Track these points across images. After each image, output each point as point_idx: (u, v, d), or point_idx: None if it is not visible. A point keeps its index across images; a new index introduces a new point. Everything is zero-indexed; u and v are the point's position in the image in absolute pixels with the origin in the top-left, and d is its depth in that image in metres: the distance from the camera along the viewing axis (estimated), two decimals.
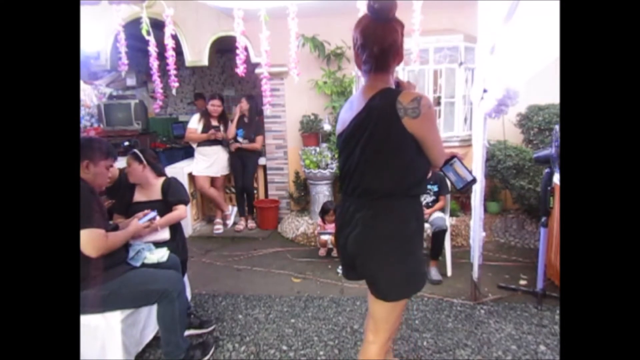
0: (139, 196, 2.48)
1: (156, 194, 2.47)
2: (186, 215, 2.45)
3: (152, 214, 2.28)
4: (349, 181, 1.40)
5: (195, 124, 4.27)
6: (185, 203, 2.51)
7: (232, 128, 4.25)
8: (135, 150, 2.45)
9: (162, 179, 2.53)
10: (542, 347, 2.21)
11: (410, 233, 1.36)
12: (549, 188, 2.58)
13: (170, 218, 2.42)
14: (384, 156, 1.32)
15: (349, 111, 1.41)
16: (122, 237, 2.03)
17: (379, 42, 1.29)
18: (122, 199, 2.51)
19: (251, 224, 4.48)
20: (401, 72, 3.86)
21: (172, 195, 2.47)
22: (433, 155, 1.36)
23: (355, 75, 4.14)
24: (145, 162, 2.42)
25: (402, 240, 1.35)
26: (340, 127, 1.45)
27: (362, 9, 2.52)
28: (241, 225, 4.44)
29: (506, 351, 2.19)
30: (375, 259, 1.35)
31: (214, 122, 4.27)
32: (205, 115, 4.28)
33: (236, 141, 4.28)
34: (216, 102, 4.25)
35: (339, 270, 3.31)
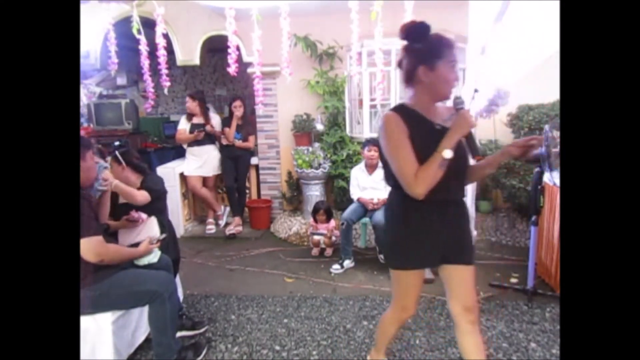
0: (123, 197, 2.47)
1: None
2: (140, 198, 2.37)
3: (162, 235, 2.29)
4: None
5: (183, 124, 4.27)
6: (152, 191, 2.45)
7: (231, 133, 4.23)
8: (116, 152, 2.42)
9: (143, 177, 2.52)
10: (533, 345, 2.23)
11: (388, 217, 1.65)
12: (539, 187, 2.61)
13: (123, 187, 2.33)
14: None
15: None
16: (129, 253, 2.05)
17: (400, 59, 1.54)
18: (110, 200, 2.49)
19: (238, 228, 4.37)
20: (393, 72, 3.87)
21: (147, 187, 2.45)
22: (393, 171, 1.49)
23: (347, 75, 4.14)
24: (124, 163, 2.40)
25: (388, 223, 1.66)
26: None
27: (353, 8, 2.52)
28: (231, 230, 4.32)
29: (497, 349, 2.21)
30: None
31: (197, 121, 4.26)
32: (190, 115, 4.28)
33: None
34: (187, 99, 4.23)
35: (332, 269, 3.31)
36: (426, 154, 1.42)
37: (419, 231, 1.54)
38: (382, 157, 1.56)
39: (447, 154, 1.39)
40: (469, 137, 1.48)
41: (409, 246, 1.56)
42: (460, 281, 1.59)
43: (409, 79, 1.51)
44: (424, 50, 1.45)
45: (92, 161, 1.95)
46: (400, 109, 1.51)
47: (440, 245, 1.55)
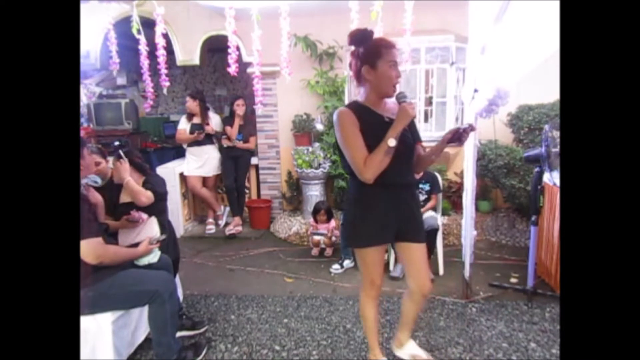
0: (125, 197, 2.46)
1: None
2: (145, 199, 2.39)
3: (162, 236, 2.25)
4: None
5: (183, 124, 4.27)
6: (157, 193, 2.46)
7: (233, 132, 4.23)
8: (120, 152, 2.43)
9: (144, 178, 2.52)
10: (533, 345, 2.23)
11: (346, 201, 1.85)
12: (539, 187, 2.61)
13: (133, 185, 2.36)
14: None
15: None
16: (128, 253, 2.04)
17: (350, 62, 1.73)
18: (110, 199, 2.49)
19: (238, 228, 4.37)
20: None
21: (152, 188, 2.45)
22: (347, 159, 1.68)
23: (347, 75, 4.14)
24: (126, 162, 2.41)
25: (345, 206, 1.88)
26: None
27: (353, 8, 2.52)
28: (231, 230, 4.32)
29: (497, 349, 2.21)
30: None
31: (196, 120, 4.25)
32: (190, 115, 4.28)
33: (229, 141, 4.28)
34: (188, 99, 4.23)
35: (332, 269, 3.31)
36: (376, 144, 1.60)
37: (374, 212, 1.72)
38: (338, 148, 1.72)
39: (391, 142, 1.57)
40: (412, 126, 1.71)
41: (365, 226, 1.74)
42: (413, 259, 1.83)
43: (358, 78, 1.71)
44: (366, 52, 1.64)
45: (90, 158, 1.96)
46: (352, 105, 1.71)
47: (393, 224, 1.74)
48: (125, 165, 2.39)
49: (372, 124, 1.65)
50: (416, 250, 1.81)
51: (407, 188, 1.79)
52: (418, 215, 1.83)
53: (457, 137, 1.65)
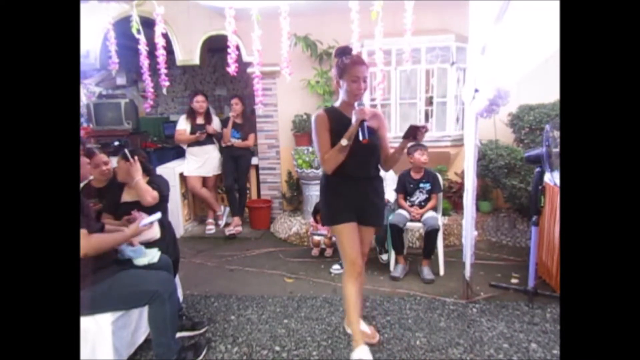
0: (126, 196, 2.46)
1: None
2: (150, 199, 2.37)
3: (157, 215, 2.22)
4: None
5: (183, 124, 4.25)
6: (162, 194, 2.46)
7: (227, 133, 4.23)
8: (125, 150, 2.43)
9: (148, 178, 2.51)
10: (534, 345, 2.22)
11: (321, 190, 2.11)
12: (539, 187, 2.61)
13: (142, 184, 2.36)
14: None
15: None
16: (113, 239, 1.97)
17: None
18: (112, 199, 2.49)
19: (238, 228, 4.36)
20: (393, 72, 3.87)
21: (158, 189, 2.44)
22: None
23: None
24: (131, 161, 2.40)
25: (320, 193, 2.15)
26: None
27: (353, 8, 2.52)
28: (231, 230, 4.31)
29: (498, 349, 2.20)
30: None
31: (199, 120, 4.24)
32: (191, 115, 4.25)
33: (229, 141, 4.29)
34: (200, 97, 4.21)
35: (332, 270, 3.31)
36: None
37: (337, 197, 2.04)
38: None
39: (344, 142, 1.87)
40: (362, 125, 1.88)
41: (333, 208, 2.06)
42: (362, 240, 2.12)
43: (334, 86, 2.04)
44: (338, 65, 1.97)
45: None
46: (327, 110, 2.03)
47: (355, 208, 2.04)
48: (137, 165, 2.39)
49: (340, 125, 1.93)
50: (367, 232, 2.15)
51: (365, 180, 2.06)
52: (377, 204, 2.13)
53: (412, 133, 1.92)
